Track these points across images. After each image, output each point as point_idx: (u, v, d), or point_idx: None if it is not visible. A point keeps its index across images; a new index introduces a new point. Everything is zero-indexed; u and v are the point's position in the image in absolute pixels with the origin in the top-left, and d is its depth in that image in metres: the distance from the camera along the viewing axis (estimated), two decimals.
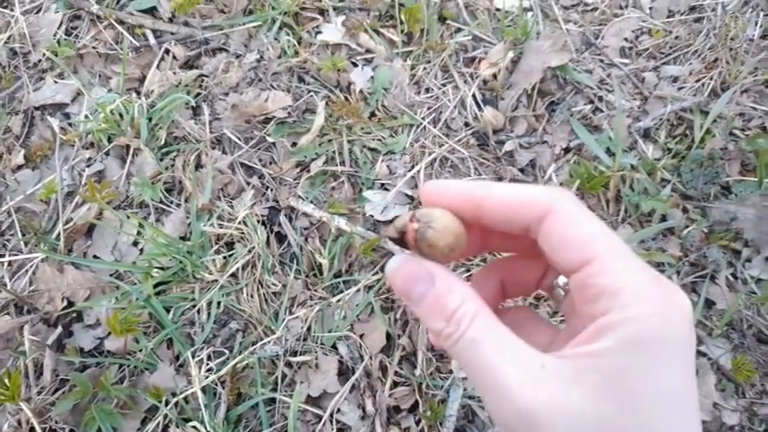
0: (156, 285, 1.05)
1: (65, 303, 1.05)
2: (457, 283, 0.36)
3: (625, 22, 1.34)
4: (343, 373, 0.99)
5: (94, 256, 1.11)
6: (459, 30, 1.33)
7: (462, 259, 1.06)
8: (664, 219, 1.07)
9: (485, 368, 0.32)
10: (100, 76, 1.31)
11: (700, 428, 0.32)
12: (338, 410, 0.95)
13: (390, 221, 1.10)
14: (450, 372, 0.96)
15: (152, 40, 1.35)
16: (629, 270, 0.33)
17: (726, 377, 0.96)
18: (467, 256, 0.43)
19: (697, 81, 1.23)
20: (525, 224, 0.36)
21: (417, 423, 0.94)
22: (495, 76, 1.24)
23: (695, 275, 1.05)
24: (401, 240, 0.38)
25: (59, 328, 1.04)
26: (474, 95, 1.23)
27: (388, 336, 1.01)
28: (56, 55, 1.30)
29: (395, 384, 0.97)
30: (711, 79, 1.22)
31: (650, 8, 1.37)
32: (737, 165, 1.13)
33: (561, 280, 0.43)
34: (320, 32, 1.33)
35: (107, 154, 1.20)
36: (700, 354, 0.99)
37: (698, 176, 1.10)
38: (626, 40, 1.32)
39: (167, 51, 1.33)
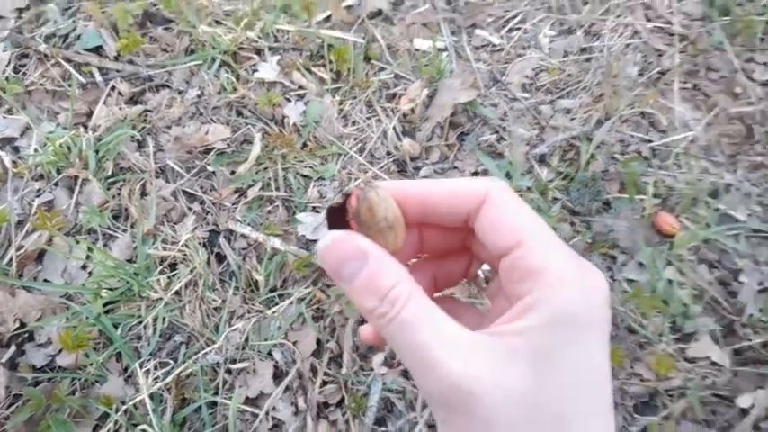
0: (105, 304, 1.15)
1: (17, 324, 1.14)
2: (391, 263, 0.36)
3: (527, 61, 1.53)
4: (278, 375, 1.11)
5: (45, 280, 1.20)
6: (382, 69, 1.49)
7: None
8: (554, 231, 1.25)
9: (419, 347, 0.33)
10: (48, 111, 1.40)
11: (610, 398, 0.34)
12: (274, 408, 1.08)
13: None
14: (372, 369, 1.10)
15: (98, 78, 1.45)
16: (553, 253, 0.35)
17: None
18: (404, 260, 0.43)
19: (585, 113, 1.43)
20: (466, 213, 0.38)
21: (343, 415, 1.07)
22: (413, 110, 1.40)
23: None
24: (339, 219, 0.39)
25: (12, 348, 1.12)
26: (395, 128, 1.39)
27: (318, 341, 1.14)
28: (4, 92, 1.38)
29: (324, 383, 1.10)
30: (597, 111, 1.42)
31: (549, 49, 1.57)
32: (617, 184, 1.32)
33: (484, 268, 0.46)
34: (257, 70, 1.46)
35: (56, 185, 1.30)
36: None
37: (583, 195, 1.28)
38: (527, 77, 1.51)
39: (113, 88, 1.44)
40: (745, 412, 1.09)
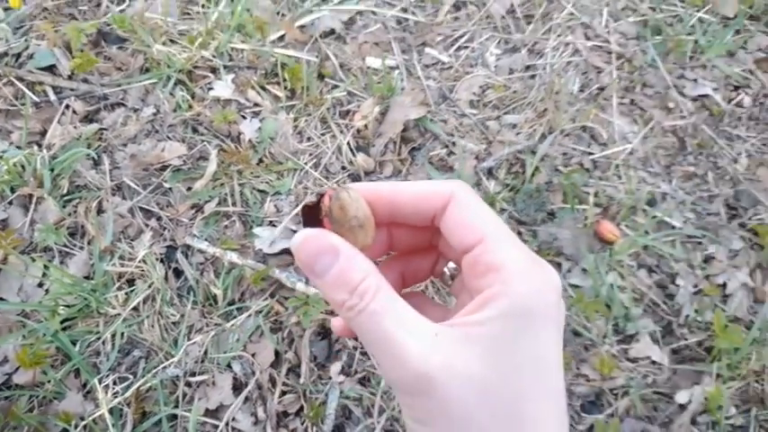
0: (62, 321, 1.15)
1: None
2: (360, 259, 0.38)
3: (474, 78, 1.60)
4: (238, 387, 1.14)
5: (0, 299, 1.20)
6: (335, 86, 1.54)
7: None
8: None
9: (384, 337, 0.35)
10: (1, 130, 1.40)
11: (563, 386, 0.36)
12: (233, 419, 1.10)
13: (277, 254, 1.27)
14: (330, 378, 1.14)
15: (52, 96, 1.46)
16: (511, 250, 0.37)
17: None
18: (374, 257, 0.44)
19: (530, 127, 1.50)
20: (432, 213, 0.41)
21: (302, 423, 1.10)
22: (366, 126, 1.45)
23: None
24: (313, 217, 0.42)
25: None
26: (349, 143, 1.44)
27: (277, 352, 1.17)
28: None
29: (283, 393, 1.13)
30: (541, 125, 1.49)
31: (495, 66, 1.64)
32: (560, 195, 1.39)
33: (450, 266, 0.49)
34: (212, 88, 1.49)
35: (10, 203, 1.30)
36: None
37: (529, 205, 1.35)
38: (474, 93, 1.57)
39: (67, 107, 1.44)
40: (683, 408, 1.17)
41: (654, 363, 1.20)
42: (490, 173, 1.43)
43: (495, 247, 0.37)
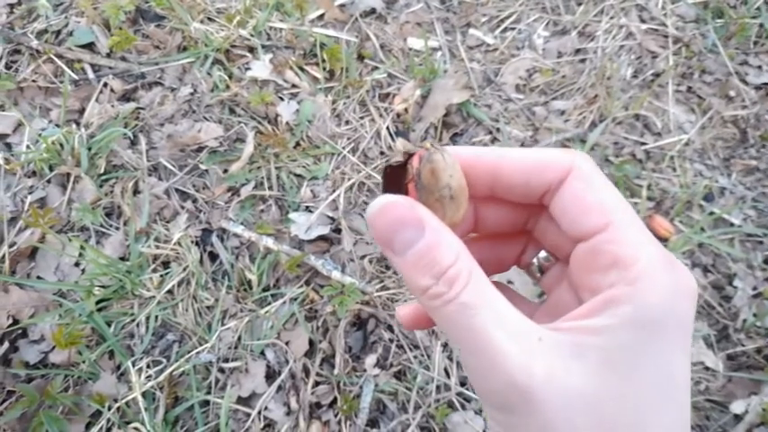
0: (97, 302, 1.15)
1: (10, 321, 1.14)
2: (450, 236, 0.32)
3: (521, 61, 1.53)
4: (271, 375, 1.12)
5: (38, 277, 1.20)
6: (375, 68, 1.49)
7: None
8: None
9: (478, 336, 0.30)
10: (40, 108, 1.40)
11: (689, 413, 0.30)
12: (266, 408, 1.08)
13: (313, 240, 1.24)
14: (365, 370, 1.11)
15: (90, 75, 1.44)
16: (643, 243, 0.31)
17: None
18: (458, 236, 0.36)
19: (579, 114, 1.43)
20: (545, 186, 0.34)
21: (336, 416, 1.07)
22: (406, 110, 1.40)
23: None
24: (394, 182, 0.35)
25: (5, 344, 1.12)
26: (388, 127, 1.39)
27: (311, 341, 1.14)
28: None
29: (316, 384, 1.11)
30: (591, 113, 1.42)
31: (543, 49, 1.57)
32: None
33: (541, 255, 0.41)
34: (249, 69, 1.46)
35: (48, 182, 1.29)
36: None
37: None
38: (521, 77, 1.51)
39: (105, 85, 1.43)
40: (738, 418, 1.10)
41: (707, 369, 1.14)
42: None
43: (624, 237, 0.31)
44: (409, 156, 0.34)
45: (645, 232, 0.31)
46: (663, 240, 1.24)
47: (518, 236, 0.40)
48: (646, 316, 0.29)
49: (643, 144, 1.39)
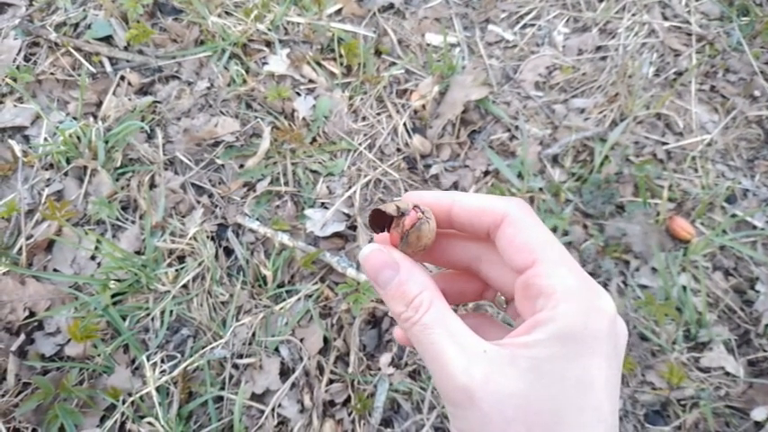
0: (113, 296, 1.15)
1: (27, 313, 1.14)
2: (419, 274, 0.41)
3: (540, 58, 1.51)
4: (285, 372, 1.11)
5: (54, 270, 1.20)
6: (393, 64, 1.47)
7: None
8: (566, 233, 1.23)
9: (434, 349, 0.38)
10: (58, 100, 1.40)
11: (613, 412, 0.36)
12: (279, 405, 1.07)
13: (328, 237, 1.23)
14: (379, 369, 1.10)
15: (108, 68, 1.44)
16: (563, 275, 0.38)
17: None
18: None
19: (600, 113, 1.41)
20: (485, 228, 0.42)
21: (349, 414, 1.07)
22: (424, 106, 1.39)
23: None
24: (379, 221, 0.43)
25: (22, 336, 1.12)
26: (405, 124, 1.38)
27: (325, 339, 1.13)
28: (15, 80, 1.38)
29: (330, 381, 1.10)
30: (611, 111, 1.40)
31: (563, 46, 1.55)
32: (631, 187, 1.30)
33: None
34: (266, 63, 1.45)
35: (66, 175, 1.29)
36: None
37: (597, 197, 1.27)
38: (540, 75, 1.49)
39: (123, 78, 1.43)
40: (760, 426, 1.08)
41: (728, 374, 1.12)
42: (555, 160, 1.34)
43: (547, 271, 0.38)
44: (400, 213, 0.42)
45: (568, 265, 0.38)
46: (683, 242, 1.22)
47: (474, 276, 0.48)
48: (565, 332, 0.36)
49: (664, 144, 1.37)
